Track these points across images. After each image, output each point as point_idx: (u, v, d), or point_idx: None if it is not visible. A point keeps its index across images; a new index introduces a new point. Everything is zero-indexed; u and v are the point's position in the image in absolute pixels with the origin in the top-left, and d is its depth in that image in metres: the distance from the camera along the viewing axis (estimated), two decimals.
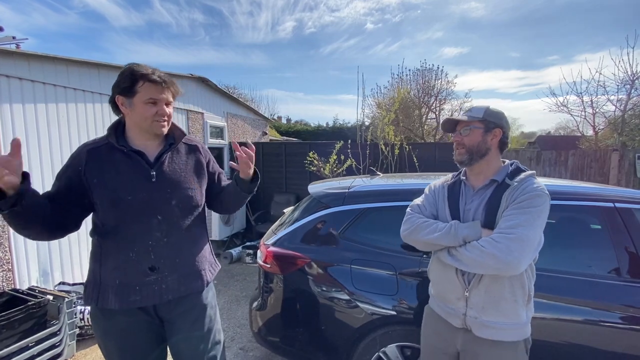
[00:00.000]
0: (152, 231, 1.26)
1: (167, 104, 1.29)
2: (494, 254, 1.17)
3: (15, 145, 0.98)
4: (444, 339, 1.41)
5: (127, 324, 1.28)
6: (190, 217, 1.35)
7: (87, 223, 1.30)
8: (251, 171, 1.43)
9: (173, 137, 1.37)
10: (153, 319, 1.33)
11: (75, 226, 1.27)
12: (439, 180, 1.58)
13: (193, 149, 1.45)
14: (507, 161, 1.41)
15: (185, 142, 1.43)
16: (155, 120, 1.26)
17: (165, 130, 1.31)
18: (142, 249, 1.25)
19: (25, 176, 1.04)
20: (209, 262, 1.45)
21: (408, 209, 1.51)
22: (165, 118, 1.29)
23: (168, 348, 1.41)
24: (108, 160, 1.24)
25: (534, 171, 1.35)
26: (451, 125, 1.43)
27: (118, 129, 1.31)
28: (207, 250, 1.46)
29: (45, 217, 1.13)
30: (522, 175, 1.31)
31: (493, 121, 1.34)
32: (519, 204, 1.23)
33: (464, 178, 1.44)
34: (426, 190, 1.56)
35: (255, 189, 1.49)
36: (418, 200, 1.53)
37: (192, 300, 1.37)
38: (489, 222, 1.28)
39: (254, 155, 1.41)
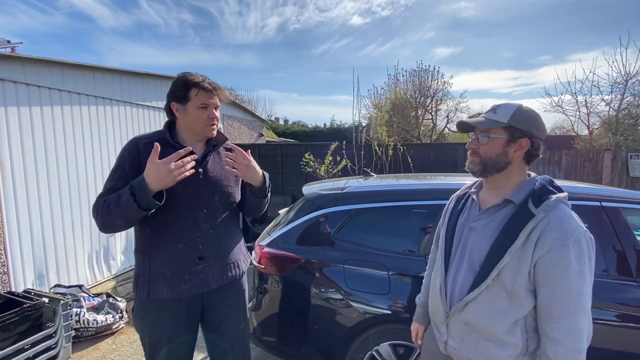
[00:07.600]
0: (200, 224, 1.37)
1: (216, 108, 1.39)
2: None
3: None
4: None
5: (175, 313, 1.37)
6: (229, 212, 1.48)
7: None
8: (256, 175, 1.44)
9: (216, 140, 1.48)
10: (196, 306, 1.41)
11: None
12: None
13: (230, 152, 1.52)
14: (533, 175, 1.07)
15: (224, 145, 1.54)
16: (207, 125, 1.37)
17: (215, 133, 1.43)
18: (191, 240, 1.36)
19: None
20: (243, 254, 1.58)
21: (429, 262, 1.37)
22: (215, 121, 1.40)
23: (203, 331, 1.51)
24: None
25: (566, 193, 1.00)
26: (467, 126, 1.11)
27: (171, 127, 1.41)
28: (242, 243, 1.59)
29: None
30: (552, 200, 0.96)
31: (520, 129, 1.00)
32: (552, 270, 0.90)
33: (474, 190, 1.17)
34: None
35: (267, 192, 1.53)
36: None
37: (235, 287, 1.51)
38: (486, 270, 0.98)
39: (246, 158, 1.40)
